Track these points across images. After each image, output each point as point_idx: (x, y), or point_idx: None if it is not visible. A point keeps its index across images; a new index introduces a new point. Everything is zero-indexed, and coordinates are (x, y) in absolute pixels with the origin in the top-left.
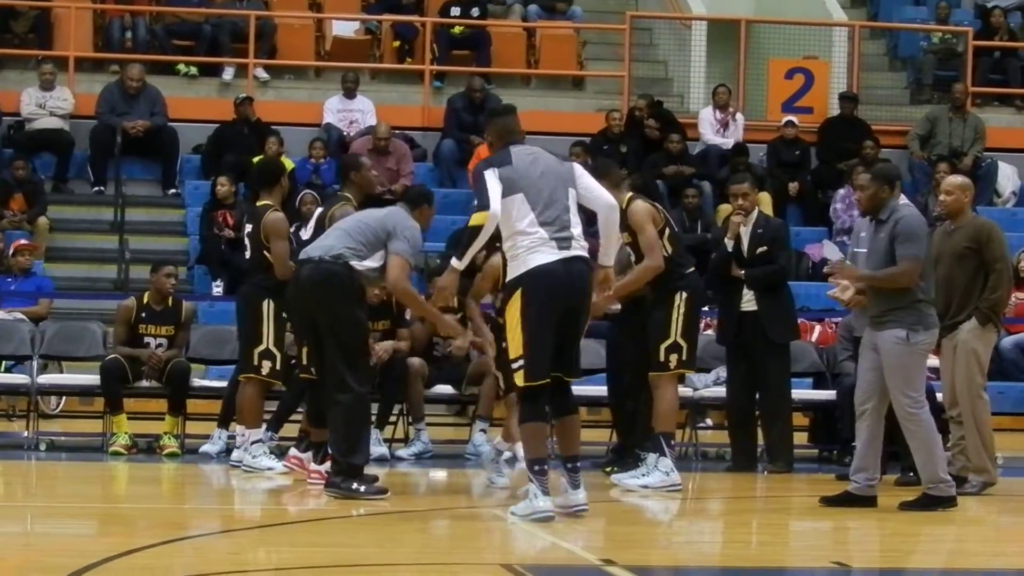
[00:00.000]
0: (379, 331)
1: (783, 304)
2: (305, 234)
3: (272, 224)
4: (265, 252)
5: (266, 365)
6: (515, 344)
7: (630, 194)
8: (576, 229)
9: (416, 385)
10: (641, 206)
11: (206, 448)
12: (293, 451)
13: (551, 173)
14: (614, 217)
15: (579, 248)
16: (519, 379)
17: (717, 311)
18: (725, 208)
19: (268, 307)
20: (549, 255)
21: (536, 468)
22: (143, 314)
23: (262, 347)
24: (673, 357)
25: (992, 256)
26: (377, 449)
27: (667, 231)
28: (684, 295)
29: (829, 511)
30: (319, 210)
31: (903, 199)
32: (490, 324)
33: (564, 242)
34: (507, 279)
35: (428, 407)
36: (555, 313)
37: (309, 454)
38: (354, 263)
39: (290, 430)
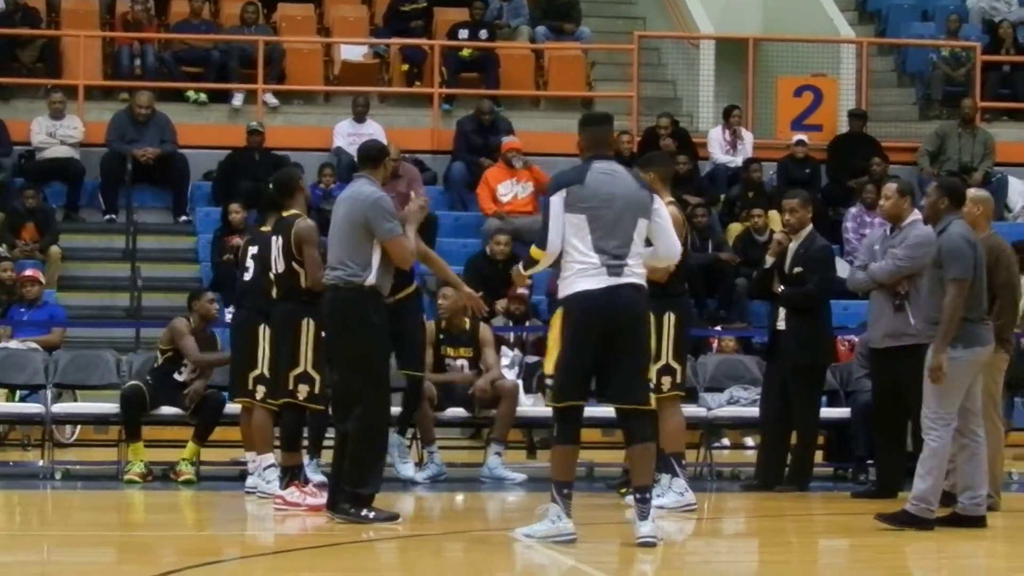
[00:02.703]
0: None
1: (813, 325)
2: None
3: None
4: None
5: (260, 390)
6: (549, 362)
7: (670, 197)
8: (633, 259)
9: (425, 408)
10: (675, 214)
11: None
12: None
13: (625, 198)
14: (667, 265)
15: (631, 275)
16: (552, 399)
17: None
18: (734, 227)
19: (264, 332)
20: (597, 281)
21: (564, 492)
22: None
23: (257, 372)
24: (666, 380)
25: (999, 281)
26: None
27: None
28: (673, 317)
29: (842, 531)
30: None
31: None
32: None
33: (616, 269)
34: (557, 295)
35: (442, 430)
36: (593, 337)
37: (291, 489)
38: (368, 282)
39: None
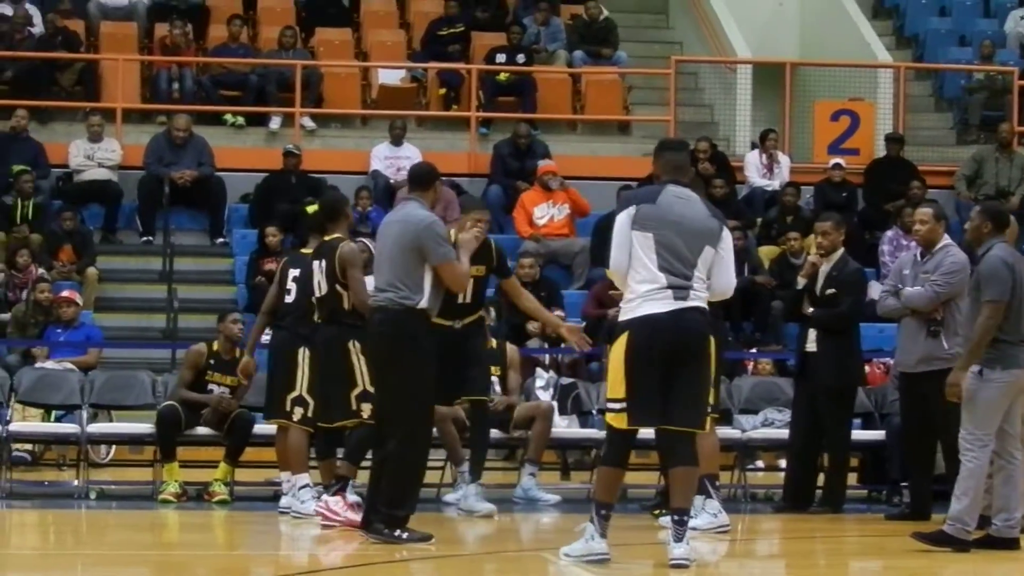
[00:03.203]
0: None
1: (843, 348)
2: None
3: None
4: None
5: (298, 412)
6: (616, 385)
7: None
8: (698, 283)
9: (446, 427)
10: None
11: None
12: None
13: (694, 223)
14: (718, 299)
15: (696, 299)
16: (618, 421)
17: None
18: (767, 250)
19: (303, 354)
20: (663, 305)
21: (602, 512)
22: (212, 361)
23: (295, 393)
24: None
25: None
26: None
27: None
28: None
29: (876, 552)
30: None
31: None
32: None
33: (681, 291)
34: (620, 318)
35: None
36: (661, 361)
37: (337, 498)
38: (420, 305)
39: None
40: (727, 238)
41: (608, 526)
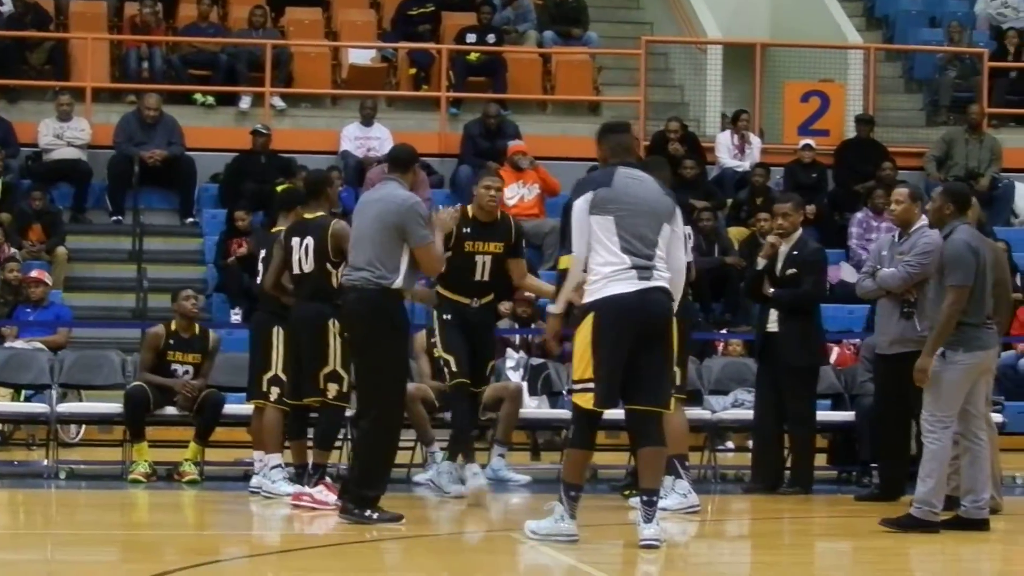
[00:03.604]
0: None
1: (805, 328)
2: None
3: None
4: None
5: (274, 391)
6: (583, 366)
7: None
8: (660, 262)
9: (415, 407)
10: None
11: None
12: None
13: (650, 203)
14: (680, 280)
15: (659, 279)
16: (585, 402)
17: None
18: (736, 231)
19: (278, 334)
20: (628, 285)
21: (571, 493)
22: (171, 341)
23: (271, 373)
24: None
25: (993, 279)
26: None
27: None
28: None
29: (846, 533)
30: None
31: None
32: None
33: (645, 271)
34: (584, 300)
35: (446, 432)
36: (627, 341)
37: (319, 487)
38: (394, 285)
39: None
40: (679, 216)
41: (577, 507)
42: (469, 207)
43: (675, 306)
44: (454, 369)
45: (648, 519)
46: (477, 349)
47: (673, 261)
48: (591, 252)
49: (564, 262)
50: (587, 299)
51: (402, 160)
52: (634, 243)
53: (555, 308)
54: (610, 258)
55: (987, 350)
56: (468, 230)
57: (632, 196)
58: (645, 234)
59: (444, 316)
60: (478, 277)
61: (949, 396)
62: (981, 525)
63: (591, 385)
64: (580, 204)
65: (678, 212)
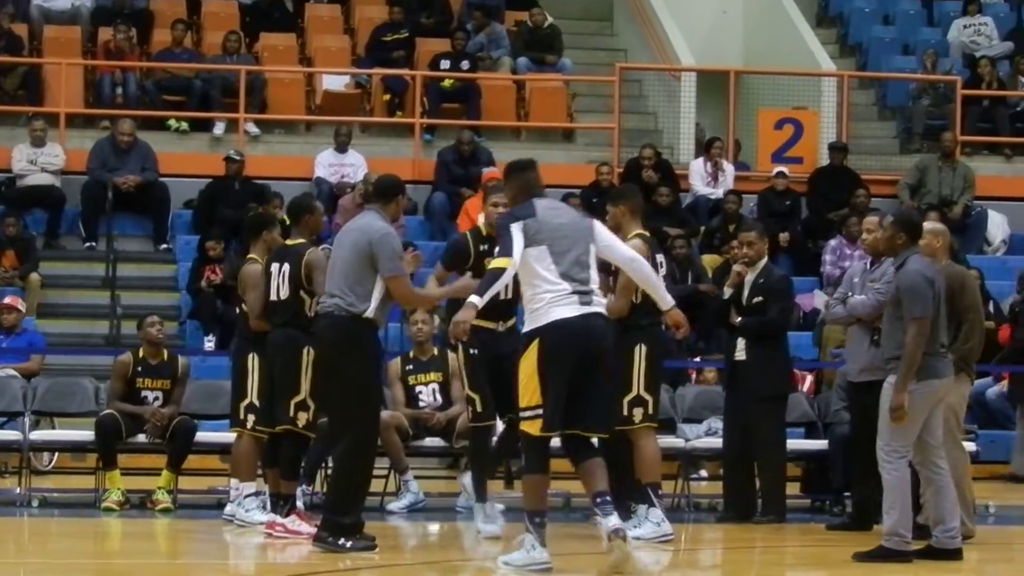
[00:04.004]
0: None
1: (773, 355)
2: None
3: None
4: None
5: (250, 418)
6: (531, 394)
7: (638, 231)
8: (595, 284)
9: (389, 435)
10: (640, 246)
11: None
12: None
13: (573, 227)
14: (638, 266)
15: (598, 304)
16: (534, 428)
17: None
18: (710, 258)
19: (253, 360)
20: (570, 310)
21: (536, 520)
22: (139, 368)
23: (247, 401)
24: (638, 411)
25: (964, 305)
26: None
27: None
28: (644, 349)
29: (818, 563)
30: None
31: None
32: None
33: (585, 296)
34: (528, 328)
35: (419, 460)
36: (571, 366)
37: (291, 517)
38: (367, 314)
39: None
40: (599, 227)
41: (545, 533)
42: (481, 226)
43: (668, 296)
44: (479, 410)
45: (607, 513)
46: (507, 377)
47: (620, 256)
48: (528, 286)
49: (497, 262)
50: (530, 326)
51: (385, 190)
52: (571, 268)
53: (478, 300)
54: (549, 286)
55: (941, 379)
56: (485, 247)
57: (557, 223)
58: (578, 258)
59: (471, 351)
60: (503, 296)
61: (904, 426)
62: (954, 555)
63: (540, 411)
64: (515, 227)
65: (597, 225)
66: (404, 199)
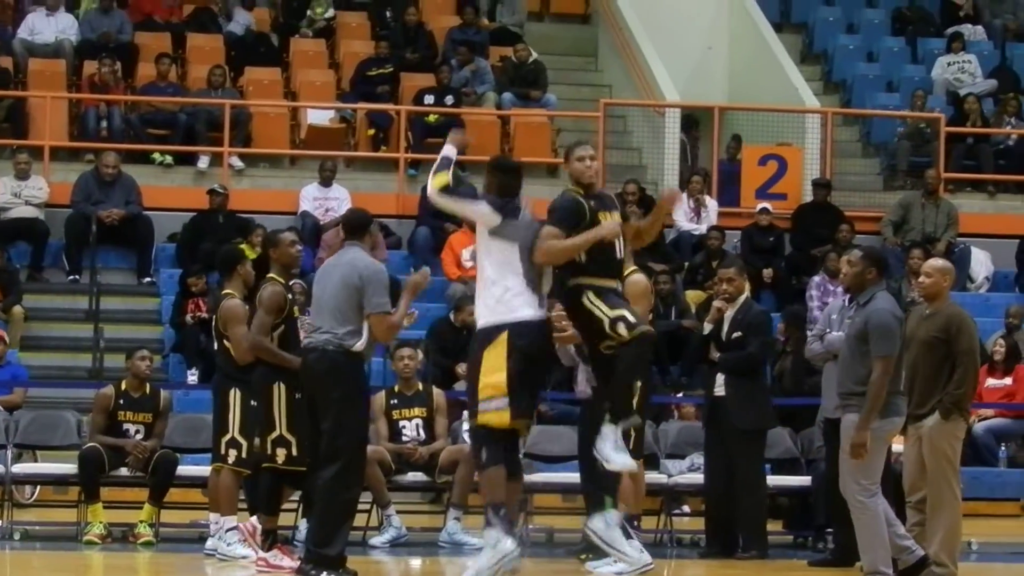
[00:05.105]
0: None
1: (752, 391)
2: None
3: (226, 311)
4: (225, 341)
5: (232, 454)
6: (496, 385)
7: (634, 267)
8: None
9: (371, 470)
10: (642, 281)
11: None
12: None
13: (535, 233)
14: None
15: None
16: (501, 418)
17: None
18: (693, 294)
19: (235, 396)
20: (535, 312)
21: (501, 512)
22: (121, 401)
23: (228, 436)
24: None
25: (960, 349)
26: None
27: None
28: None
29: None
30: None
31: None
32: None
33: (542, 301)
34: (492, 320)
35: (402, 495)
36: (531, 362)
37: (273, 552)
38: (355, 348)
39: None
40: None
41: (510, 524)
42: (571, 188)
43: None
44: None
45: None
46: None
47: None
48: (499, 276)
49: (442, 179)
50: (498, 319)
51: (354, 226)
52: (530, 273)
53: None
54: (517, 285)
55: (901, 416)
56: (592, 203)
57: (526, 229)
58: (534, 264)
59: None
60: (618, 255)
61: (872, 464)
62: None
63: (505, 401)
64: (487, 209)
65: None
66: (375, 228)
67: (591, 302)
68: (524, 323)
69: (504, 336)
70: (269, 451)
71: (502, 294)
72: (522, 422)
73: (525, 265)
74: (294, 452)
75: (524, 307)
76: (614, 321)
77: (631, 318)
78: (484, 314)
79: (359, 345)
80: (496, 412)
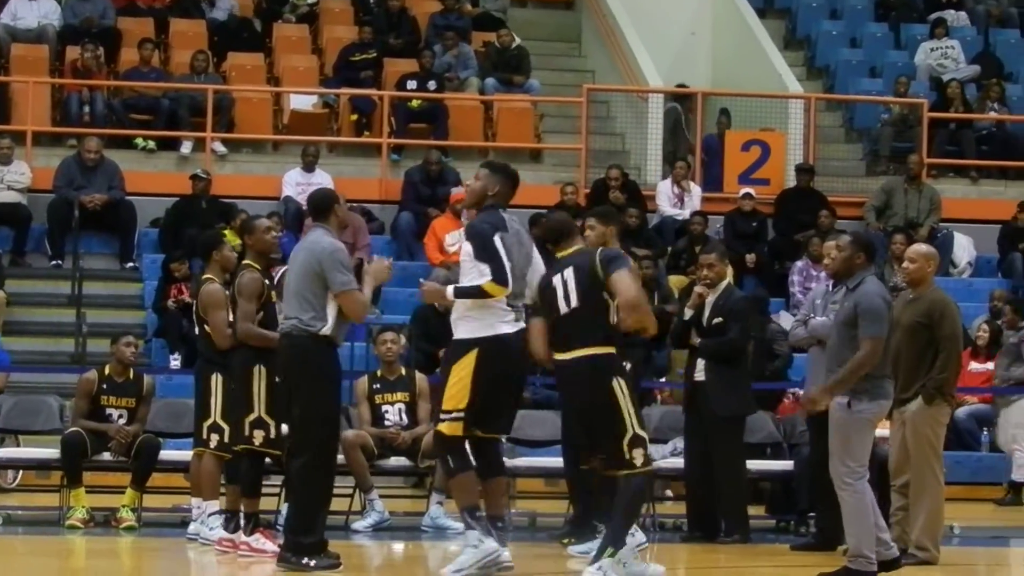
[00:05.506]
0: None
1: (732, 377)
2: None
3: (205, 296)
4: (205, 327)
5: (214, 438)
6: (459, 398)
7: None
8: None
9: (354, 454)
10: (634, 268)
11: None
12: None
13: (525, 245)
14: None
15: (523, 320)
16: (455, 430)
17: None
18: (676, 279)
19: (216, 380)
20: (511, 326)
21: (477, 515)
22: (104, 386)
23: (210, 421)
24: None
25: (943, 334)
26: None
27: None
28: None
29: None
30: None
31: None
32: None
33: (520, 313)
34: (465, 335)
35: (384, 479)
36: (503, 379)
37: (239, 533)
38: (323, 331)
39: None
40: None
41: (486, 524)
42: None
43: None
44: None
45: (503, 544)
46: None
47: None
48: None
49: (490, 288)
50: (472, 334)
51: (318, 206)
52: (517, 285)
53: (451, 294)
54: (498, 302)
55: (888, 399)
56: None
57: (518, 240)
58: (523, 275)
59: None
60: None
61: (859, 446)
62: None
63: (462, 414)
64: (498, 238)
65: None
66: (342, 205)
67: (622, 391)
68: (497, 340)
69: (474, 354)
70: (247, 433)
71: (481, 306)
72: (469, 434)
73: (513, 276)
74: (271, 435)
75: (503, 325)
76: (634, 441)
77: (648, 444)
78: (460, 325)
79: (326, 329)
80: (449, 424)
